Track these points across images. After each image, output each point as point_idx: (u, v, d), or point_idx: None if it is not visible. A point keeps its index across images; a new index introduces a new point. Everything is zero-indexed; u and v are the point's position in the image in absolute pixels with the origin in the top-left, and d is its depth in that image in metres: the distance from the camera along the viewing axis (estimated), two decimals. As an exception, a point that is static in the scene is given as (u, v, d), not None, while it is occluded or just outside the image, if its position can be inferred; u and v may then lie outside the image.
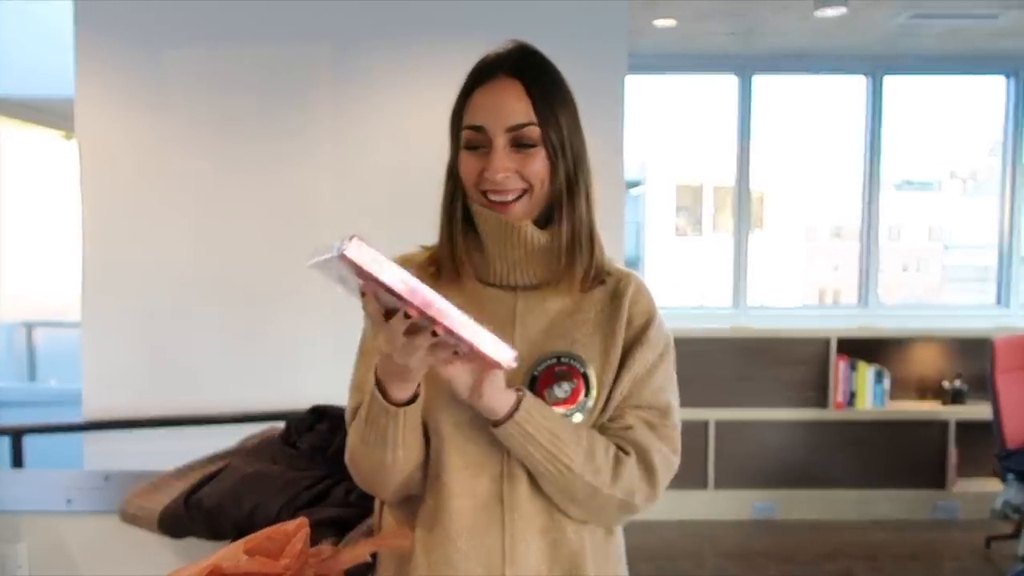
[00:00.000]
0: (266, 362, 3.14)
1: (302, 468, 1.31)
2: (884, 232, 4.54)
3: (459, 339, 0.90)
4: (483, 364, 0.96)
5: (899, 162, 4.43)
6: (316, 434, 1.38)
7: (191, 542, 1.32)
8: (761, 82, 4.39)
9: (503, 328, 1.11)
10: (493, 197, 1.08)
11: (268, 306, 3.16)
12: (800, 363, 4.15)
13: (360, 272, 0.85)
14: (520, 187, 1.08)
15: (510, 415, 1.02)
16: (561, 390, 1.09)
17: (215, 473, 1.35)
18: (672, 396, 1.15)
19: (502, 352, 0.92)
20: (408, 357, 0.92)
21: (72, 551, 1.41)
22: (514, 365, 0.94)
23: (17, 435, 2.89)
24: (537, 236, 1.09)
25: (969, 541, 3.82)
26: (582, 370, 1.10)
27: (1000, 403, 3.40)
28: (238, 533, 1.24)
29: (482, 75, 1.10)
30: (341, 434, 1.38)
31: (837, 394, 4.10)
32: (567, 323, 1.12)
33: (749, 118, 4.38)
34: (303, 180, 3.15)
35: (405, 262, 1.18)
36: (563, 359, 1.10)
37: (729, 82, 4.43)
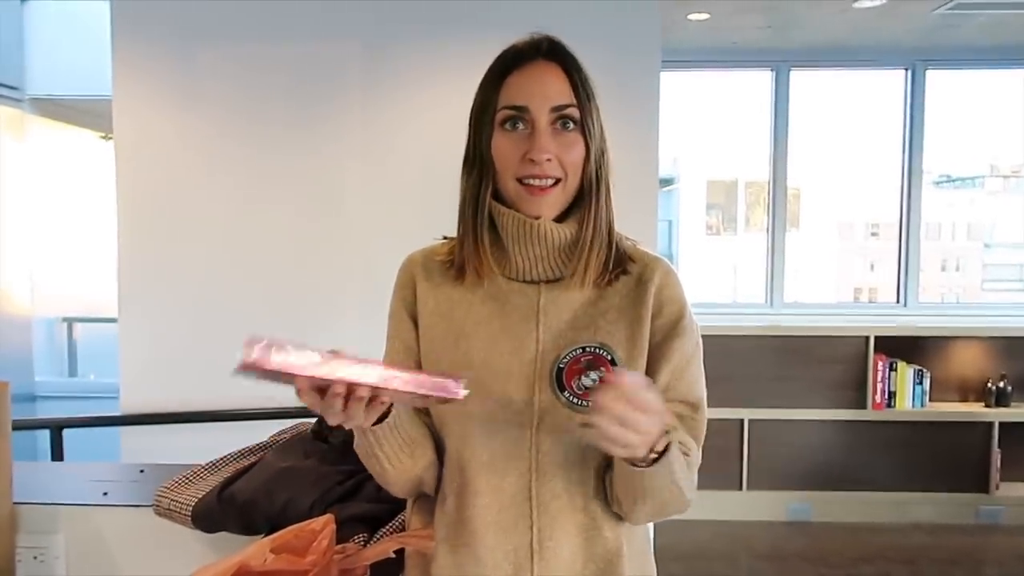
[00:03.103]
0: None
1: (334, 463, 1.31)
2: (922, 230, 4.44)
3: (400, 393, 0.89)
4: (435, 401, 0.93)
5: (938, 158, 4.32)
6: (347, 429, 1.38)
7: (223, 536, 1.32)
8: (796, 76, 4.32)
9: (526, 322, 1.09)
10: (532, 182, 1.06)
11: (299, 302, 3.18)
12: (837, 362, 4.06)
13: (271, 374, 0.84)
14: (557, 175, 1.06)
15: (664, 451, 0.96)
16: (588, 379, 1.06)
17: (248, 468, 1.35)
18: (703, 390, 1.12)
19: (450, 388, 0.89)
20: (354, 421, 0.91)
21: (108, 542, 1.43)
22: (464, 394, 0.90)
23: (57, 428, 2.95)
24: (557, 233, 1.07)
25: (1013, 547, 3.72)
26: (609, 357, 1.07)
27: (1047, 405, 3.30)
28: (271, 528, 1.24)
29: (518, 59, 1.08)
30: (372, 429, 1.38)
31: (876, 394, 4.01)
32: (590, 312, 1.10)
33: (786, 114, 4.31)
34: (334, 178, 3.17)
35: (427, 256, 1.18)
36: (589, 348, 1.08)
37: (764, 77, 4.36)
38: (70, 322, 5.45)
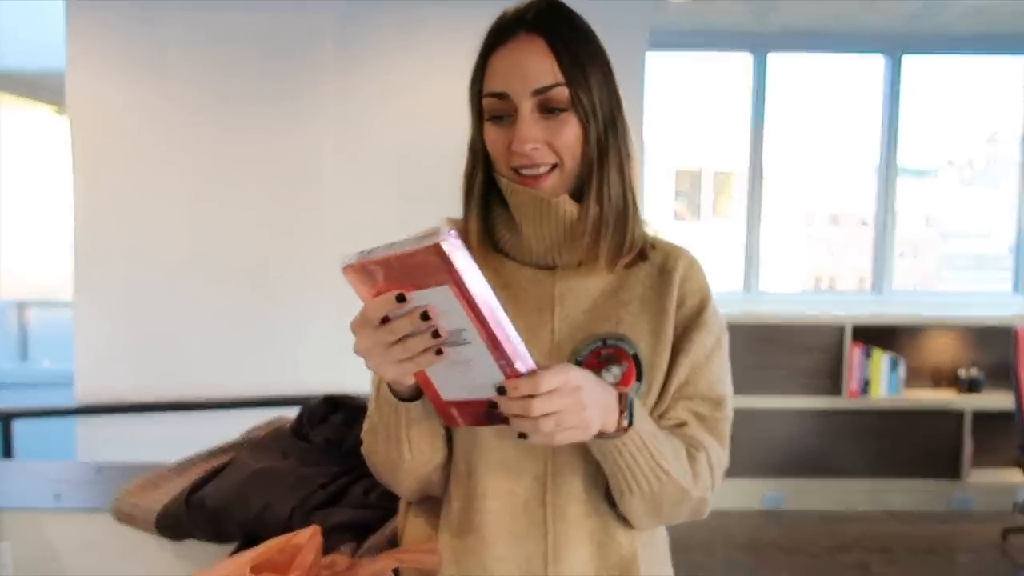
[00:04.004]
0: (267, 344, 3.02)
1: (315, 464, 1.20)
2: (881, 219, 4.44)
3: (506, 363, 0.77)
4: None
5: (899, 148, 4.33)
6: (330, 426, 1.26)
7: (191, 543, 1.21)
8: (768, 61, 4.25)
9: (541, 311, 0.99)
10: (525, 172, 0.96)
11: (269, 285, 3.04)
12: (814, 350, 4.04)
13: (438, 271, 0.71)
14: (550, 161, 0.96)
15: (624, 427, 0.89)
16: (610, 375, 0.97)
17: (219, 469, 1.23)
18: (728, 387, 1.04)
19: (520, 359, 0.80)
20: (397, 366, 0.80)
21: (60, 551, 1.30)
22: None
23: (6, 419, 2.78)
24: (575, 212, 0.97)
25: (985, 533, 3.74)
26: (631, 352, 0.98)
27: (1023, 394, 3.30)
28: (244, 535, 1.13)
29: (500, 34, 0.96)
30: (358, 426, 1.26)
31: (851, 382, 3.99)
32: (610, 303, 1.01)
33: (764, 97, 4.25)
34: (305, 154, 3.02)
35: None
36: (609, 341, 0.98)
37: (737, 61, 4.29)
38: (21, 306, 5.23)
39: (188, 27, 2.92)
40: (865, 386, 4.01)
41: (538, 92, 0.93)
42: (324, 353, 3.02)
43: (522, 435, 0.82)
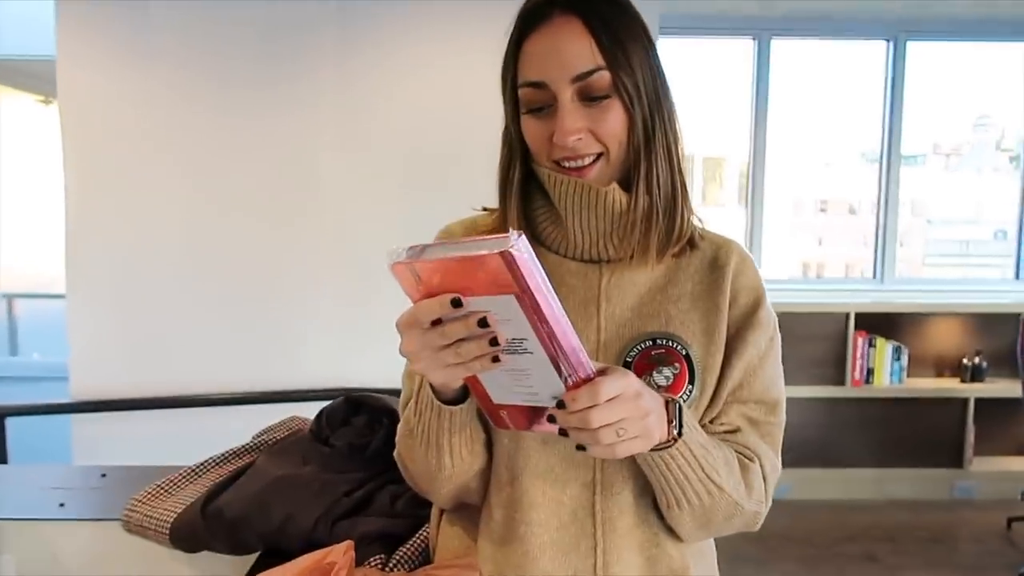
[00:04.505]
0: (267, 338, 2.95)
1: (339, 470, 1.13)
2: (868, 207, 4.42)
3: (568, 374, 0.71)
4: None
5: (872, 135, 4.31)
6: (352, 429, 1.20)
7: (206, 555, 1.14)
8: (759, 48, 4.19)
9: (587, 307, 0.93)
10: (568, 164, 0.89)
11: (267, 278, 2.96)
12: (818, 339, 4.00)
13: (503, 280, 0.65)
14: (595, 150, 0.89)
15: (674, 437, 0.83)
16: (662, 377, 0.91)
17: (235, 475, 1.17)
18: (782, 389, 0.98)
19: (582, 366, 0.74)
20: (446, 370, 0.73)
21: (66, 564, 1.23)
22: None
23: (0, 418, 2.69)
24: (624, 202, 0.91)
25: (989, 522, 3.72)
26: (683, 352, 0.92)
27: (1031, 382, 3.28)
28: (266, 547, 1.07)
29: (532, 18, 0.89)
30: (381, 428, 1.20)
31: (855, 371, 3.96)
32: (659, 299, 0.94)
33: (767, 84, 4.19)
34: (304, 144, 2.94)
35: (468, 229, 1.00)
36: (660, 340, 0.92)
37: (735, 47, 4.23)
38: (10, 298, 5.14)
39: (182, 13, 2.83)
40: (868, 375, 3.98)
41: (578, 79, 0.86)
42: (325, 347, 2.95)
43: (580, 447, 0.76)
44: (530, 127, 0.91)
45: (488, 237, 0.66)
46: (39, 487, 1.35)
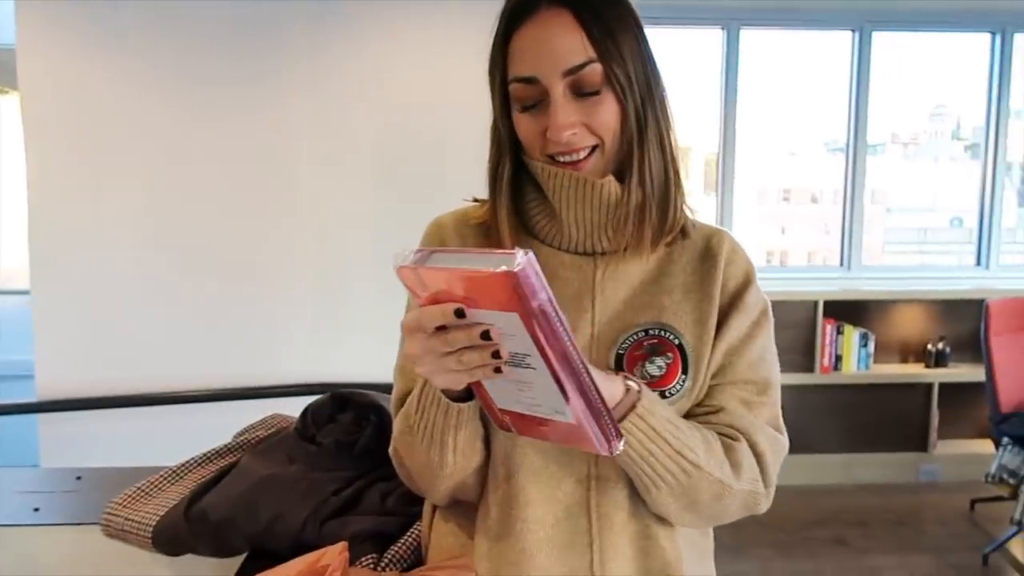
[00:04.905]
0: (242, 333, 2.90)
1: (326, 468, 1.11)
2: (830, 195, 4.48)
3: (579, 409, 0.71)
4: (558, 430, 0.76)
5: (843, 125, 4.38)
6: (339, 426, 1.18)
7: (189, 558, 1.12)
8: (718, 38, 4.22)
9: (581, 300, 0.93)
10: (563, 158, 0.89)
11: (240, 273, 2.92)
12: (787, 327, 4.05)
13: (508, 298, 0.64)
14: (590, 143, 0.88)
15: (629, 410, 0.82)
16: (655, 366, 0.91)
17: (218, 476, 1.15)
18: (772, 370, 0.98)
19: (613, 438, 0.74)
20: (450, 376, 0.72)
21: (44, 570, 1.20)
22: (618, 452, 0.75)
23: (-39, 418, 2.62)
24: (619, 194, 0.90)
25: (953, 504, 3.82)
26: (676, 341, 0.92)
27: (994, 367, 3.35)
28: (252, 548, 1.05)
29: (521, 11, 0.88)
30: (368, 425, 1.19)
31: (824, 358, 4.03)
32: (652, 290, 0.94)
33: (736, 73, 4.22)
34: (278, 137, 2.89)
35: (460, 220, 0.99)
36: (652, 330, 0.92)
37: (702, 37, 4.26)
38: (-34, 295, 4.97)
39: (150, 5, 2.76)
40: (837, 362, 4.05)
41: (570, 72, 0.86)
42: (300, 342, 2.91)
43: None
44: (523, 123, 0.90)
45: (495, 253, 0.65)
46: (11, 491, 1.31)
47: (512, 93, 0.89)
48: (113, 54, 2.77)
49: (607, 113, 0.87)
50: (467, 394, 0.83)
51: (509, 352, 0.69)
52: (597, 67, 0.86)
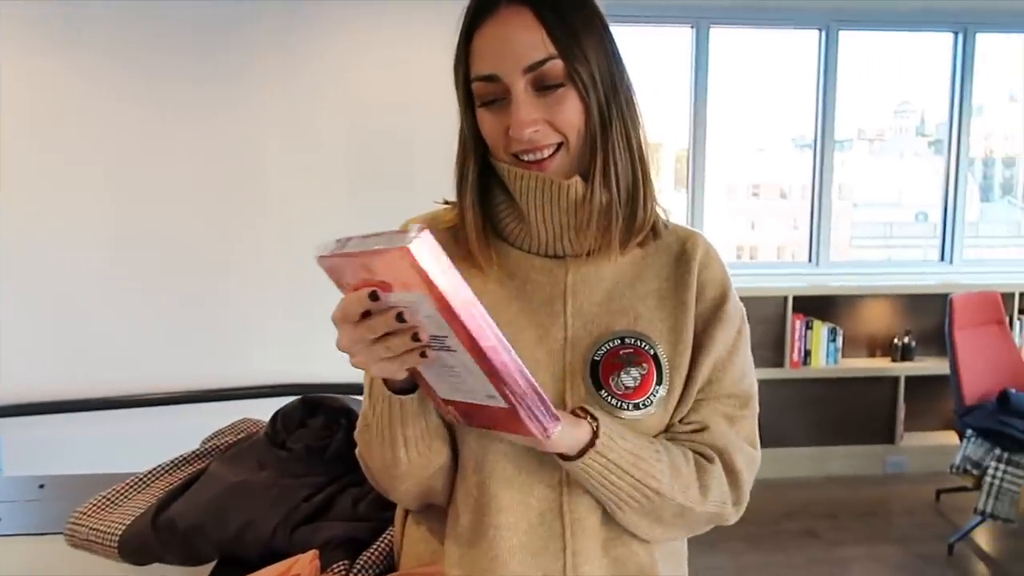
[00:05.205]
0: (210, 334, 2.86)
1: (297, 474, 1.10)
2: (798, 191, 4.53)
3: (505, 390, 0.70)
4: (496, 418, 0.75)
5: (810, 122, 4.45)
6: (310, 431, 1.16)
7: (156, 568, 1.10)
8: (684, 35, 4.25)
9: (553, 304, 0.92)
10: (526, 157, 0.88)
11: (206, 273, 2.87)
12: (757, 322, 4.08)
13: (410, 276, 0.64)
14: (553, 141, 0.88)
15: (589, 445, 0.83)
16: (630, 377, 0.90)
17: (186, 484, 1.12)
18: (753, 382, 0.98)
19: (547, 421, 0.74)
20: (383, 363, 0.72)
21: (7, 582, 1.17)
22: (553, 437, 0.76)
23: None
24: (585, 194, 0.90)
25: (919, 495, 3.89)
26: (651, 351, 0.91)
27: (958, 360, 3.42)
28: (222, 556, 1.03)
29: (481, 10, 0.87)
30: (340, 429, 1.17)
31: (793, 352, 4.08)
32: (627, 295, 0.94)
33: (706, 71, 4.25)
34: (245, 137, 2.85)
35: (430, 223, 0.98)
36: (627, 339, 0.91)
37: (671, 35, 4.29)
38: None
39: (113, 3, 2.70)
40: (806, 357, 4.11)
41: (530, 69, 0.85)
42: (271, 343, 2.88)
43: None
44: (486, 121, 0.89)
45: (397, 233, 0.64)
46: (-30, 501, 1.27)
47: (474, 91, 0.89)
48: (76, 50, 2.71)
49: (570, 111, 0.87)
50: (412, 386, 0.82)
51: (429, 335, 0.69)
52: (558, 63, 0.85)
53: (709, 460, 0.92)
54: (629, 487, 0.86)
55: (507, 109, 0.86)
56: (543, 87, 0.86)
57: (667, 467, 0.88)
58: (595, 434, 0.84)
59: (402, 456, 0.85)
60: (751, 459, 0.96)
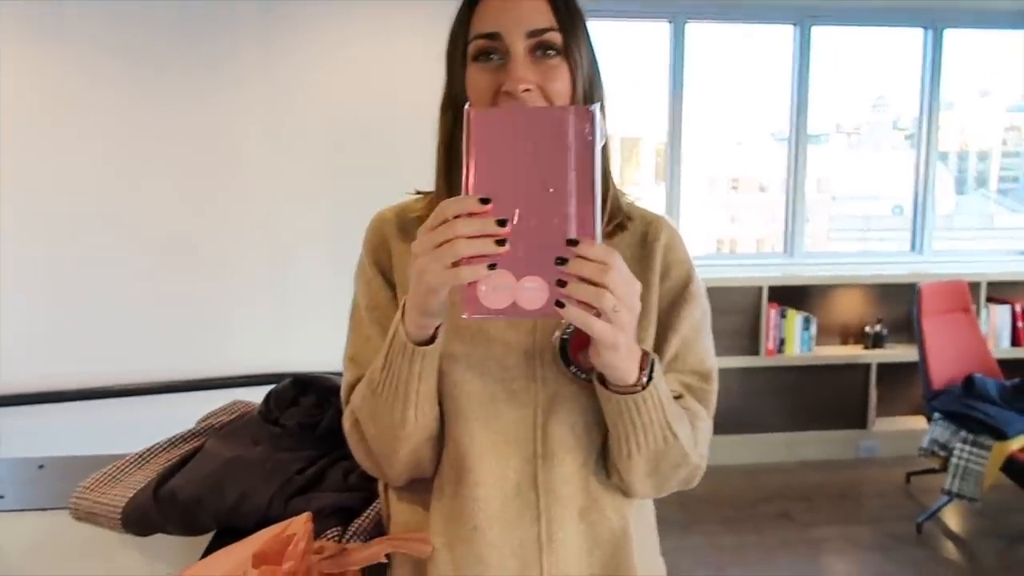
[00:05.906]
0: (194, 324, 2.90)
1: (290, 448, 1.16)
2: (777, 184, 4.63)
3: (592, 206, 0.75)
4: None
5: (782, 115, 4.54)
6: (301, 409, 1.22)
7: (157, 538, 1.16)
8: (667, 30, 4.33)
9: None
10: None
11: (192, 261, 2.91)
12: (733, 312, 4.19)
13: (581, 135, 0.74)
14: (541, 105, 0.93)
15: (646, 379, 0.86)
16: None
17: (185, 459, 1.18)
18: (714, 359, 1.05)
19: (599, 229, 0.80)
20: (438, 265, 0.75)
21: (11, 555, 1.22)
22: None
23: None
24: None
25: (890, 477, 4.01)
26: None
27: (927, 347, 3.53)
28: (220, 527, 1.09)
29: None
30: (330, 407, 1.24)
31: (768, 341, 4.18)
32: None
33: (682, 66, 4.33)
34: (226, 126, 2.88)
35: (401, 213, 1.04)
36: None
37: (652, 30, 4.36)
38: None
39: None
40: (781, 345, 4.21)
41: (533, 34, 0.91)
42: (254, 332, 2.92)
43: (559, 303, 0.75)
44: (476, 78, 0.93)
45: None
46: (-28, 481, 1.32)
47: (473, 48, 0.93)
48: (56, 43, 2.74)
49: (561, 81, 0.92)
50: (432, 339, 0.87)
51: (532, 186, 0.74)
52: (558, 36, 0.92)
53: (696, 418, 0.98)
54: (658, 426, 0.90)
55: (502, 68, 0.91)
56: (542, 53, 0.91)
57: (684, 413, 0.95)
58: (652, 364, 0.87)
59: (411, 415, 0.89)
60: (709, 429, 1.03)
